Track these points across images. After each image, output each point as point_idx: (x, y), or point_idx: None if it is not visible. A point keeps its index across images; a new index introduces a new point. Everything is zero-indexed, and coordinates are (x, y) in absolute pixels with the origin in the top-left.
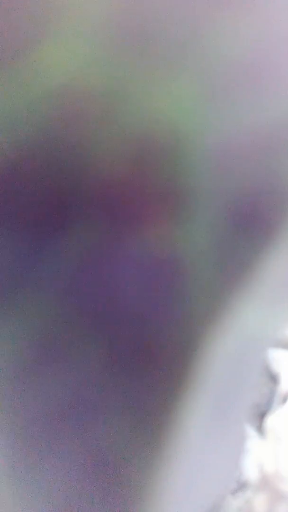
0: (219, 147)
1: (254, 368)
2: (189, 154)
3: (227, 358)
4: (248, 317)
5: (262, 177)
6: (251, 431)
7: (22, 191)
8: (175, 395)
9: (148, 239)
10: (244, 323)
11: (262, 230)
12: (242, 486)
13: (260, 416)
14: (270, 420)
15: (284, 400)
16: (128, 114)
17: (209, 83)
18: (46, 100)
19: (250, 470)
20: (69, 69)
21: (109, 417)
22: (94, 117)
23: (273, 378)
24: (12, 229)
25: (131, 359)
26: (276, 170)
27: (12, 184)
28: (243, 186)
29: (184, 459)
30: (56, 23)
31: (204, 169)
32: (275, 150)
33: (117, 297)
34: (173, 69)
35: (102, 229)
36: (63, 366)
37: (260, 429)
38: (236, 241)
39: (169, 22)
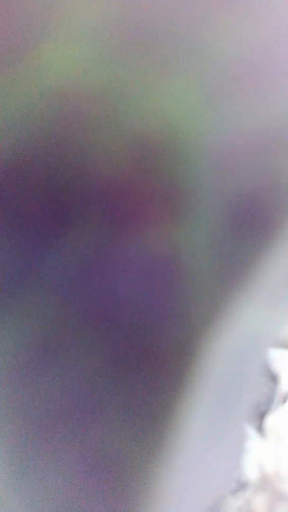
0: (219, 147)
1: (254, 368)
2: (189, 154)
3: (227, 358)
4: (248, 317)
5: (262, 177)
6: (251, 431)
7: (22, 191)
8: (175, 395)
9: (148, 239)
10: (244, 323)
11: (262, 230)
12: (242, 486)
13: (260, 416)
14: (270, 420)
15: (284, 400)
16: (128, 114)
17: (209, 83)
18: (46, 100)
19: (250, 470)
20: (69, 70)
21: (109, 417)
22: (94, 117)
23: (273, 378)
24: (12, 229)
25: (131, 358)
26: (276, 170)
27: (12, 184)
28: (243, 186)
29: (184, 459)
30: (56, 23)
31: (204, 169)
32: (275, 150)
33: (117, 296)
34: (173, 69)
35: (102, 229)
36: (63, 366)
37: (260, 429)
38: (236, 241)
39: (169, 22)
